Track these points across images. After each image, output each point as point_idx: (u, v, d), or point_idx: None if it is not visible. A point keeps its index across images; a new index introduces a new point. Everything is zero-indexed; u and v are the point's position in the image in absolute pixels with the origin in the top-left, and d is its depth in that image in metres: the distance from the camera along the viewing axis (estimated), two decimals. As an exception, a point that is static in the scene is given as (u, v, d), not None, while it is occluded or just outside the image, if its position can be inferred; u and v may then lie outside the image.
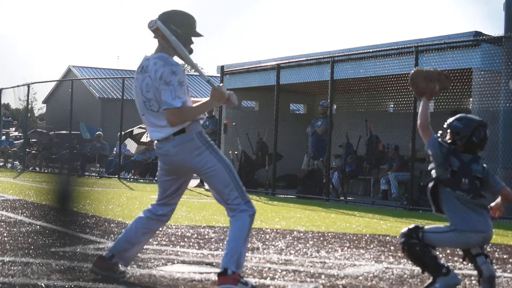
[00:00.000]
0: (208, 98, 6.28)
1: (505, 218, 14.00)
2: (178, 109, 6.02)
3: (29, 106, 35.36)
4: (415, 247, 6.14)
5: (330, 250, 8.78)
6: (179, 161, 6.20)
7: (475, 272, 7.24)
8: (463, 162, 6.16)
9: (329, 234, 10.53)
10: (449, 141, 6.29)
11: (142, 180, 25.58)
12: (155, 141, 6.39)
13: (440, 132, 6.42)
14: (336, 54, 18.95)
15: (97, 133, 29.59)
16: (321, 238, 9.92)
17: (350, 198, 18.89)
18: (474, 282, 6.82)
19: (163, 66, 6.08)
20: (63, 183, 17.61)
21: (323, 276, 6.87)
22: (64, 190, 13.81)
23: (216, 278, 6.24)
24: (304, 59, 20.88)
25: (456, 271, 7.28)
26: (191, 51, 6.37)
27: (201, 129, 6.22)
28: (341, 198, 18.62)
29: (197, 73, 6.46)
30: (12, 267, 6.73)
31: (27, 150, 31.97)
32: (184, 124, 6.12)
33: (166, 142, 6.19)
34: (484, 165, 6.24)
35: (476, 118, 6.44)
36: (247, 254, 8.05)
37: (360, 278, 6.88)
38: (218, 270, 6.89)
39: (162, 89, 6.04)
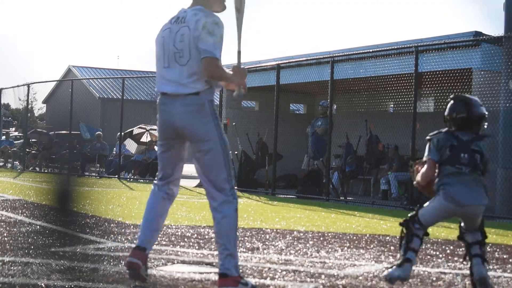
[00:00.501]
0: (230, 71, 6.28)
1: (505, 218, 14.02)
2: (217, 60, 6.01)
3: (29, 106, 35.39)
4: (412, 230, 6.25)
5: (330, 250, 8.78)
6: (182, 123, 6.10)
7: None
8: (461, 140, 6.23)
9: (329, 234, 10.53)
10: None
11: (142, 180, 25.59)
12: (160, 97, 6.25)
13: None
14: (336, 54, 18.94)
15: (97, 133, 29.59)
16: (321, 238, 9.91)
17: (350, 198, 18.90)
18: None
19: (205, 17, 6.05)
20: (63, 183, 17.60)
21: (323, 276, 6.86)
22: (64, 190, 13.80)
23: (216, 278, 6.24)
24: (304, 59, 20.88)
25: (456, 271, 7.29)
26: (224, 8, 6.41)
27: (213, 98, 6.20)
28: (341, 198, 18.62)
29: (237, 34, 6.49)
30: (12, 267, 6.73)
31: (27, 150, 31.98)
32: (201, 87, 6.07)
33: (176, 99, 6.11)
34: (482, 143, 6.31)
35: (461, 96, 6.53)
36: (247, 254, 8.07)
37: (360, 278, 6.88)
38: (218, 270, 6.91)
39: (203, 38, 5.99)
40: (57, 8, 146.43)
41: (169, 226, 10.50)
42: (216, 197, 6.13)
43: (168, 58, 6.17)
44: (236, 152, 22.02)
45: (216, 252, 8.12)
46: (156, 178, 6.53)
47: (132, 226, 10.40)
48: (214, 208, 6.14)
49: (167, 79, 6.17)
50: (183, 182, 22.54)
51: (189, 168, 27.62)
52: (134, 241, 8.44)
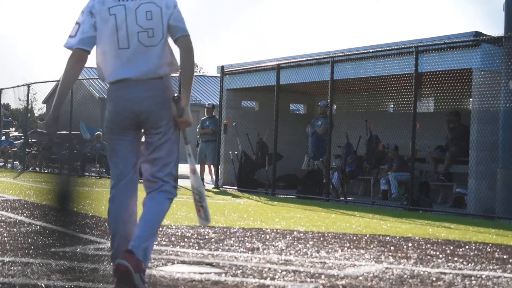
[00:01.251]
0: (187, 101, 5.69)
1: (505, 218, 14.03)
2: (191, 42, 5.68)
3: (29, 106, 35.34)
4: None
5: (330, 250, 8.77)
6: (142, 108, 5.59)
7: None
8: None
9: (329, 234, 10.53)
10: None
11: (141, 180, 25.52)
12: (113, 85, 5.67)
13: None
14: (336, 54, 18.94)
15: (97, 133, 29.55)
16: (321, 238, 9.91)
17: (350, 198, 18.89)
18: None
19: None
20: (63, 183, 17.61)
21: (323, 276, 6.86)
22: (64, 190, 13.82)
23: (217, 278, 6.25)
24: (304, 59, 20.87)
25: (456, 272, 7.29)
26: None
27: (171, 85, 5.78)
28: (341, 198, 18.62)
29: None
30: (12, 267, 6.73)
31: (27, 150, 32.00)
32: (165, 71, 5.67)
33: (137, 84, 5.61)
34: None
35: None
36: (247, 254, 8.07)
37: (360, 278, 6.87)
38: (218, 270, 6.92)
39: (178, 16, 5.64)
40: (57, 8, 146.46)
41: (169, 226, 10.50)
42: (155, 188, 5.84)
43: (128, 38, 5.61)
44: (236, 152, 22.03)
45: (216, 252, 8.14)
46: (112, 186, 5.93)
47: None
48: (149, 194, 5.86)
49: (129, 62, 5.62)
50: (182, 182, 22.58)
51: (187, 168, 27.56)
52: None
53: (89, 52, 5.74)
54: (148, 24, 5.57)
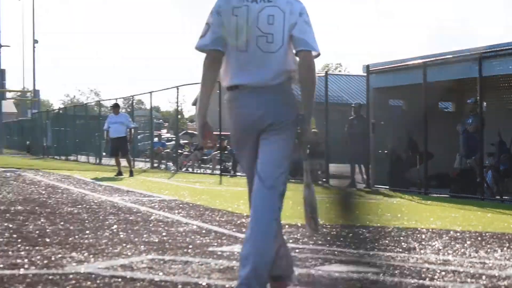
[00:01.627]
0: (308, 120, 5.32)
1: None
2: (315, 58, 5.29)
3: (179, 108, 36.12)
4: None
5: (489, 250, 8.56)
6: (258, 116, 5.25)
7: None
8: None
9: (487, 234, 10.27)
10: None
11: (293, 180, 25.66)
12: (231, 92, 5.35)
13: None
14: (484, 51, 18.44)
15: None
16: (479, 238, 9.69)
17: (506, 197, 18.36)
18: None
19: (297, 1, 5.30)
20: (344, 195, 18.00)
21: (484, 277, 6.71)
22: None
23: (375, 278, 6.20)
24: (450, 56, 20.43)
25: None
26: None
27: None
28: (496, 197, 18.14)
29: None
30: (172, 266, 6.92)
31: (179, 151, 32.74)
32: (284, 79, 5.28)
33: (252, 92, 5.26)
34: None
35: None
36: (403, 254, 7.98)
37: (524, 279, 6.68)
38: (375, 270, 6.88)
39: (303, 27, 5.22)
40: (195, 10, 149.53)
41: (324, 225, 10.50)
42: (259, 186, 5.33)
43: (247, 41, 5.26)
44: (386, 151, 21.86)
45: (372, 252, 8.10)
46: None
47: (287, 226, 10.28)
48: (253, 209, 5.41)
49: (245, 67, 5.28)
50: (334, 181, 22.26)
51: (338, 168, 27.38)
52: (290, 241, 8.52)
53: (223, 53, 5.32)
54: (268, 28, 5.22)
